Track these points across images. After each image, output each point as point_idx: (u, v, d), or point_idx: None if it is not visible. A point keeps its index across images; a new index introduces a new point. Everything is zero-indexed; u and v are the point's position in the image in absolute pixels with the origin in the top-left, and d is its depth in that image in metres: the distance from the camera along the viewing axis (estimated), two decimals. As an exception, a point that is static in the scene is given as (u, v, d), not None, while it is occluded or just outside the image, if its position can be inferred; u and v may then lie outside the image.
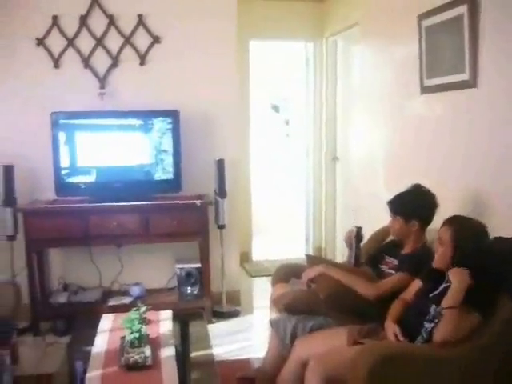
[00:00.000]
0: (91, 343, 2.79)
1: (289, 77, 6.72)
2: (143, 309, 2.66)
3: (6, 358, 2.62)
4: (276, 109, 7.50)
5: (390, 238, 3.01)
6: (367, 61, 4.37)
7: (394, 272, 2.70)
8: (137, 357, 2.43)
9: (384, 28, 3.98)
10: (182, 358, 2.71)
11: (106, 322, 2.98)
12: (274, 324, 2.81)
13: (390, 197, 2.87)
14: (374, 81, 4.20)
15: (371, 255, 3.03)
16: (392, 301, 2.53)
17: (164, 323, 2.92)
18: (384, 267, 2.84)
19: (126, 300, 4.01)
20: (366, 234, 3.24)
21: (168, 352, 2.59)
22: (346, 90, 5.20)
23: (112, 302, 3.98)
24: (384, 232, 3.20)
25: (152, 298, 4.00)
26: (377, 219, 3.30)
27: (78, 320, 3.91)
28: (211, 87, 4.20)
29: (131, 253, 4.17)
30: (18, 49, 4.00)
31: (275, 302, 2.95)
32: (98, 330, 2.84)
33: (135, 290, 4.06)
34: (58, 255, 4.22)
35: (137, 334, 2.52)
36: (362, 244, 3.09)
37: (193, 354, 3.03)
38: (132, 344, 2.51)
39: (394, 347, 2.23)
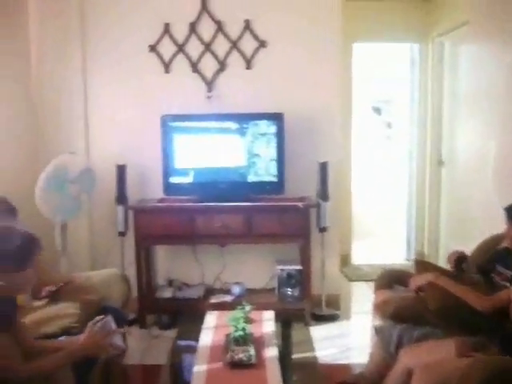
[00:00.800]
0: (196, 338, 2.90)
1: (392, 78, 6.59)
2: (248, 308, 2.72)
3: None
4: (377, 111, 7.39)
5: (502, 245, 2.87)
6: (477, 62, 4.20)
7: (508, 284, 2.58)
8: (241, 355, 2.49)
9: (497, 27, 3.80)
10: (284, 358, 2.74)
11: (211, 318, 3.07)
12: (378, 331, 2.77)
13: (503, 204, 2.74)
14: (485, 82, 4.03)
15: (481, 264, 2.91)
16: (504, 314, 2.42)
17: (267, 323, 2.96)
18: (496, 278, 2.71)
19: (227, 298, 4.10)
20: (475, 243, 3.13)
21: (271, 352, 2.63)
22: (452, 92, 5.03)
23: (214, 300, 4.09)
24: (493, 241, 3.06)
25: (252, 298, 4.05)
26: (487, 227, 3.16)
27: (181, 315, 4.10)
28: (314, 90, 4.22)
29: (233, 252, 4.27)
30: (131, 55, 4.21)
31: (379, 308, 2.91)
32: (203, 326, 2.93)
33: (236, 289, 4.15)
34: (164, 252, 4.39)
35: (241, 333, 2.58)
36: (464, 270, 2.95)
37: (295, 356, 3.08)
38: (237, 342, 2.58)
39: (508, 362, 2.14)
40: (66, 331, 2.53)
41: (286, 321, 3.24)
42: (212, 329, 2.91)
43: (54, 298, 2.69)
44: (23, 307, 2.61)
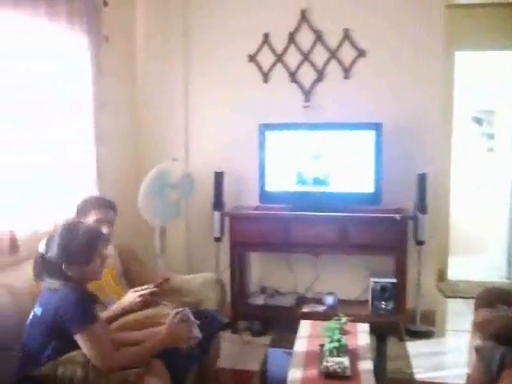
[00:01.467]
0: (288, 347, 2.91)
1: (495, 88, 6.31)
2: (344, 319, 2.69)
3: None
4: (478, 121, 7.09)
5: None
6: None
7: None
8: (336, 366, 2.47)
9: None
10: (379, 373, 2.69)
11: (305, 327, 3.07)
12: (479, 351, 2.65)
13: None
14: None
15: None
16: None
17: (362, 336, 2.92)
18: None
19: (320, 308, 4.08)
20: None
21: (366, 365, 2.59)
22: None
23: (306, 309, 4.08)
24: None
25: (344, 309, 4.00)
26: None
27: (273, 322, 4.13)
28: (414, 100, 4.13)
29: (327, 262, 4.24)
30: (231, 65, 4.31)
31: (480, 327, 2.78)
32: (298, 335, 2.93)
33: (328, 300, 4.12)
34: (258, 259, 4.45)
35: (336, 344, 2.56)
36: None
37: (389, 371, 3.01)
38: (331, 353, 2.56)
39: None
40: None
41: (381, 334, 3.18)
42: (306, 338, 2.91)
43: (153, 296, 2.78)
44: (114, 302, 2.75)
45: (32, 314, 2.20)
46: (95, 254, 2.26)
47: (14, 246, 2.72)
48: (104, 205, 2.90)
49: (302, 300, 4.24)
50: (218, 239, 4.20)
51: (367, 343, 2.84)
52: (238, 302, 4.13)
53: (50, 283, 2.18)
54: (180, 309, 2.46)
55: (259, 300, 4.17)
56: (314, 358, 2.63)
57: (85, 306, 2.13)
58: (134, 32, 4.30)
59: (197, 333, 2.45)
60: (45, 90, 3.07)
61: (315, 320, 3.23)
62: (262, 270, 4.44)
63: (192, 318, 2.46)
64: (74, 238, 2.22)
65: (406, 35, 4.09)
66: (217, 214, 4.14)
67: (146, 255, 3.53)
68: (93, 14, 3.49)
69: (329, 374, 2.44)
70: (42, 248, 2.24)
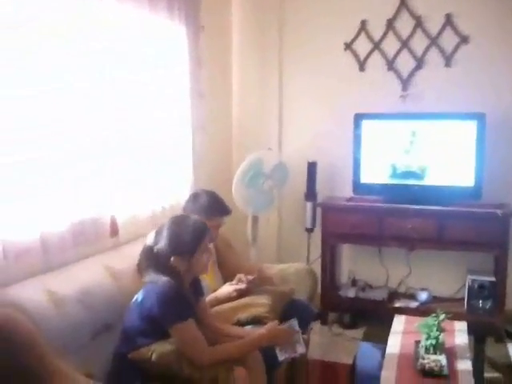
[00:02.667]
0: (380, 341, 2.85)
1: None
2: (442, 316, 2.60)
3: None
4: None
5: None
6: None
7: None
8: (432, 364, 2.40)
9: None
10: (477, 374, 2.58)
11: (398, 322, 2.99)
12: None
13: None
14: None
15: None
16: None
17: (459, 334, 2.82)
18: None
19: (412, 304, 3.98)
20: None
21: (464, 365, 2.50)
22: None
23: (398, 304, 3.99)
24: None
25: (438, 306, 3.88)
26: None
27: (363, 316, 4.07)
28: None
29: (420, 257, 4.11)
30: (327, 53, 4.26)
31: None
32: (392, 331, 2.87)
33: (422, 296, 4.00)
34: (349, 251, 4.39)
35: (433, 341, 2.48)
36: None
37: (488, 373, 2.89)
38: (427, 350, 2.49)
39: None
40: (257, 320, 2.62)
41: (477, 334, 3.05)
42: (400, 333, 2.84)
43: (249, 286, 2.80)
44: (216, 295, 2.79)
45: (134, 298, 2.27)
46: (201, 246, 2.29)
47: (114, 230, 2.82)
48: (227, 214, 2.87)
49: (393, 295, 4.15)
50: (309, 230, 4.19)
51: (465, 342, 2.73)
52: (329, 294, 4.10)
53: (153, 277, 2.22)
54: (287, 324, 2.44)
55: (350, 292, 4.11)
56: (409, 354, 2.57)
57: (180, 305, 2.16)
58: (229, 22, 4.34)
59: (301, 349, 2.42)
60: (145, 80, 3.14)
61: (408, 315, 3.16)
62: (352, 263, 4.38)
63: (297, 329, 2.44)
64: (182, 230, 2.27)
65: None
66: (309, 205, 4.13)
67: (238, 243, 3.56)
68: (191, 5, 3.55)
69: (426, 372, 2.37)
70: (150, 240, 2.30)
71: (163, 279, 2.19)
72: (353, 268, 4.35)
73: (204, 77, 3.75)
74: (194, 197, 2.90)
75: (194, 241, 2.27)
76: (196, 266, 2.31)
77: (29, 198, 2.30)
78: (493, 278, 3.79)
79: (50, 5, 2.34)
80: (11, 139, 2.19)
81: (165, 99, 3.34)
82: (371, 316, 4.04)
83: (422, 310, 3.79)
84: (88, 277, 2.42)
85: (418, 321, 2.75)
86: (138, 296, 2.25)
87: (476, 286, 3.81)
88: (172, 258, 2.24)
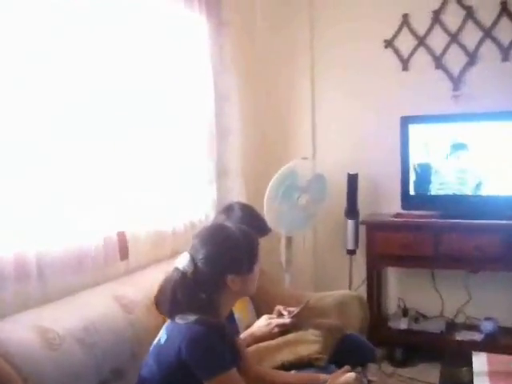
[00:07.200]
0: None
1: None
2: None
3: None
4: None
5: None
6: None
7: None
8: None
9: None
10: None
11: (479, 362, 2.42)
12: None
13: None
14: None
15: None
16: None
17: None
18: None
19: (476, 336, 3.40)
20: None
21: None
22: None
23: (459, 337, 3.42)
24: None
25: (506, 339, 3.33)
26: None
27: (418, 351, 3.51)
28: None
29: (482, 281, 3.54)
30: (365, 51, 3.78)
31: None
32: (475, 372, 2.30)
33: (486, 326, 3.42)
34: (397, 275, 3.84)
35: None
36: None
37: None
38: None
39: None
40: (307, 362, 2.09)
41: None
42: (486, 375, 2.27)
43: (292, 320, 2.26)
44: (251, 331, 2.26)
45: (157, 339, 1.73)
46: (257, 260, 1.81)
47: (124, 251, 2.32)
48: (265, 234, 2.44)
49: (451, 325, 3.58)
50: (351, 251, 3.67)
51: None
52: (377, 326, 3.51)
53: (183, 311, 1.67)
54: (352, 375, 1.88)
55: (402, 324, 3.54)
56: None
57: (222, 349, 1.63)
58: (254, 17, 3.88)
59: None
60: (164, 81, 2.73)
61: (473, 351, 2.59)
62: (402, 289, 3.82)
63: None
64: (234, 242, 1.76)
65: None
66: (350, 223, 3.61)
67: (269, 268, 3.04)
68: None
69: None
70: (183, 264, 1.72)
71: (196, 315, 1.64)
72: (402, 295, 3.78)
73: (227, 78, 3.29)
74: (228, 210, 2.43)
75: (250, 252, 1.77)
76: (251, 283, 1.79)
77: (20, 211, 1.83)
78: None
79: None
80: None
81: (184, 102, 2.90)
82: (427, 351, 3.49)
83: (490, 344, 3.24)
84: (92, 309, 1.92)
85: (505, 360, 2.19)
86: (162, 336, 1.71)
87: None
88: (228, 277, 1.70)
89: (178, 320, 1.65)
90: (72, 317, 1.80)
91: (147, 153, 2.58)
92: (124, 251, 2.35)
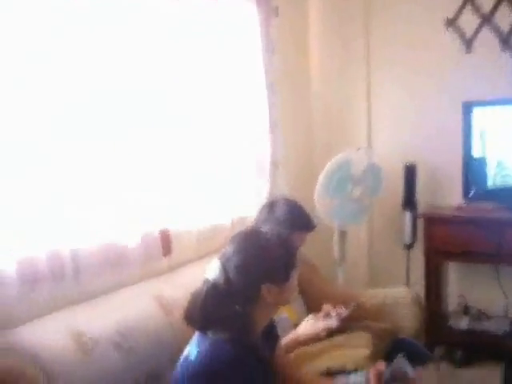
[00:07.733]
0: None
1: None
2: None
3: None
4: None
5: None
6: None
7: None
8: None
9: None
10: None
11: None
12: None
13: None
14: None
15: None
16: None
17: None
18: None
19: (545, 338, 3.18)
20: None
21: None
22: None
23: (525, 338, 3.20)
24: None
25: None
26: None
27: (478, 352, 3.33)
28: None
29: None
30: (424, 32, 3.53)
31: None
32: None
33: (557, 328, 3.19)
34: (457, 271, 3.63)
35: None
36: None
37: None
38: None
39: None
40: (356, 369, 1.95)
41: None
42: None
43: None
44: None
45: (186, 351, 1.62)
46: (294, 267, 1.67)
47: (167, 247, 2.25)
48: (311, 229, 2.33)
49: (516, 326, 3.36)
50: (408, 246, 3.50)
51: None
52: (435, 324, 3.34)
53: (215, 327, 1.56)
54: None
55: (462, 323, 3.36)
56: None
57: (250, 371, 1.53)
58: (306, 3, 3.71)
59: None
60: (212, 69, 2.64)
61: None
62: (462, 286, 3.60)
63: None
64: (270, 249, 1.62)
65: None
66: (408, 216, 3.44)
67: (321, 264, 2.92)
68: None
69: None
70: (213, 274, 1.60)
71: (229, 332, 1.54)
72: (463, 292, 3.57)
73: (278, 65, 3.16)
74: (271, 206, 2.32)
75: (287, 259, 1.64)
76: (288, 292, 1.66)
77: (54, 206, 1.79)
78: None
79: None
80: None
81: (235, 94, 2.81)
82: (488, 353, 3.29)
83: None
84: (129, 310, 1.86)
85: None
86: (191, 350, 1.59)
87: None
88: (263, 287, 1.58)
89: (210, 335, 1.55)
90: (107, 319, 1.75)
91: (193, 148, 2.52)
92: (167, 247, 2.29)
